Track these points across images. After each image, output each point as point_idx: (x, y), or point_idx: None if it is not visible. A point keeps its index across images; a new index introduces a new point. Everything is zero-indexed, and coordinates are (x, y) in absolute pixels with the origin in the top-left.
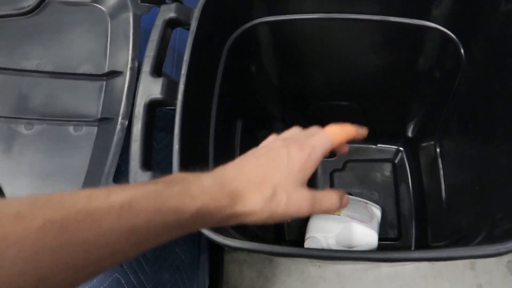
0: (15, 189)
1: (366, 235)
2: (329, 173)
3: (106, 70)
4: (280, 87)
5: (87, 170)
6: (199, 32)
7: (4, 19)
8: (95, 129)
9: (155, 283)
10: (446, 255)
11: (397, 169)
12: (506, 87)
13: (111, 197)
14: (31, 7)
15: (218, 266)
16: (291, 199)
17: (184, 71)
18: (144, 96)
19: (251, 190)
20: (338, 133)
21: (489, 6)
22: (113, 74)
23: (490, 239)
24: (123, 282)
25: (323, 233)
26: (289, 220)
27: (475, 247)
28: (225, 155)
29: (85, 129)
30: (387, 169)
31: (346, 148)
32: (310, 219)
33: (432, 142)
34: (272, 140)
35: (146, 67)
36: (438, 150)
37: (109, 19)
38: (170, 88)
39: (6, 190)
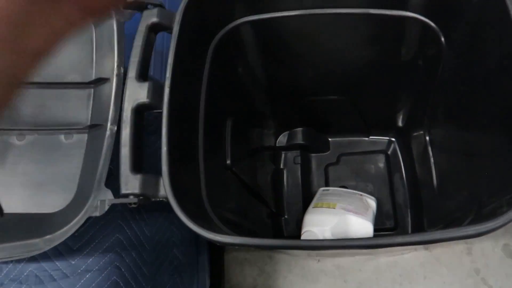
0: (10, 200)
1: (361, 227)
2: (323, 167)
3: (93, 77)
4: (268, 84)
5: (80, 177)
6: (181, 35)
7: None
8: (85, 136)
9: (154, 285)
10: (440, 236)
11: (390, 160)
12: (484, 73)
13: None
14: None
15: (219, 266)
16: None
17: (168, 74)
18: (131, 101)
19: None
20: None
21: None
22: (100, 81)
23: (479, 219)
24: (121, 284)
25: (319, 226)
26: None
27: (468, 227)
28: (216, 154)
29: (75, 136)
30: (380, 161)
31: None
32: (306, 214)
33: (422, 131)
34: None
35: (132, 72)
36: (427, 138)
37: (93, 27)
38: (156, 92)
39: (2, 201)
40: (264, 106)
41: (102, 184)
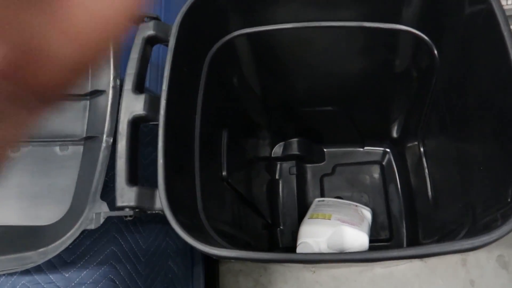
0: (4, 212)
1: (357, 238)
2: (318, 178)
3: (89, 89)
4: (263, 96)
5: (75, 189)
6: (178, 48)
7: None
8: (81, 148)
9: None
10: (436, 250)
11: (385, 171)
12: (475, 85)
13: None
14: None
15: (214, 278)
16: None
17: (165, 86)
18: (127, 113)
19: None
20: None
21: (454, 7)
22: (96, 93)
23: (474, 232)
24: None
25: (314, 238)
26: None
27: (463, 240)
28: (212, 165)
29: (71, 148)
30: (375, 171)
31: None
32: (301, 225)
33: (416, 142)
34: None
35: (128, 84)
36: (422, 149)
37: None
38: (152, 104)
39: None
40: (259, 117)
41: (98, 196)
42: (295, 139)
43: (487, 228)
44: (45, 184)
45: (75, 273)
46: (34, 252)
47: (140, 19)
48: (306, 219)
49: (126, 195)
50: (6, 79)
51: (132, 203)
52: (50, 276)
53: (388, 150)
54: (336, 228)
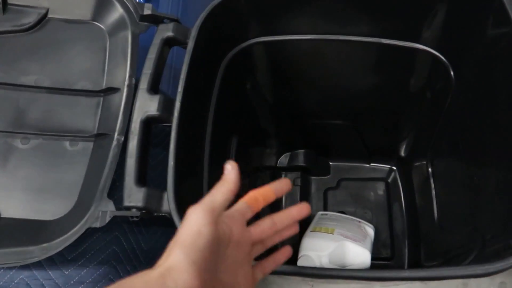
0: (9, 204)
1: (359, 254)
2: (322, 191)
3: (103, 86)
4: (274, 104)
5: (82, 185)
6: (196, 51)
7: (4, 35)
8: (91, 144)
9: None
10: (437, 274)
11: (390, 188)
12: (493, 108)
13: None
14: (31, 24)
15: None
16: None
17: (180, 88)
18: (140, 112)
19: None
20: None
21: (477, 30)
22: (111, 90)
23: (481, 259)
24: None
25: (316, 251)
26: None
27: (466, 267)
28: (220, 171)
29: (81, 144)
30: (380, 188)
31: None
32: (303, 238)
33: (424, 162)
34: None
35: (143, 84)
36: (430, 169)
37: (107, 36)
38: (166, 105)
39: (0, 204)
40: (269, 125)
41: (105, 194)
42: (301, 151)
43: (497, 255)
44: (52, 178)
45: (75, 271)
46: (36, 247)
47: (159, 20)
48: (308, 232)
49: (134, 196)
50: None
51: (140, 204)
52: (50, 272)
53: (394, 168)
54: (338, 243)
